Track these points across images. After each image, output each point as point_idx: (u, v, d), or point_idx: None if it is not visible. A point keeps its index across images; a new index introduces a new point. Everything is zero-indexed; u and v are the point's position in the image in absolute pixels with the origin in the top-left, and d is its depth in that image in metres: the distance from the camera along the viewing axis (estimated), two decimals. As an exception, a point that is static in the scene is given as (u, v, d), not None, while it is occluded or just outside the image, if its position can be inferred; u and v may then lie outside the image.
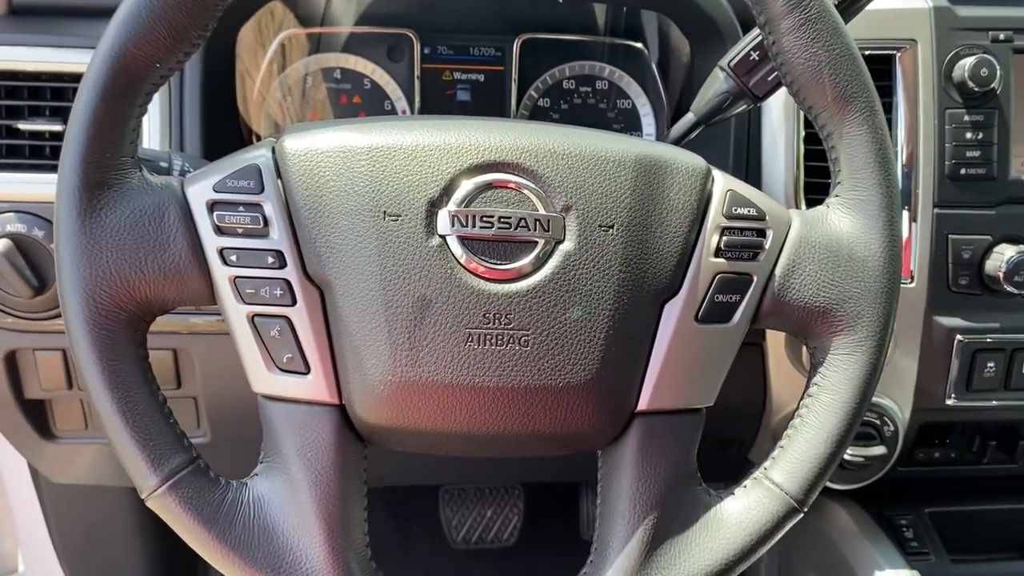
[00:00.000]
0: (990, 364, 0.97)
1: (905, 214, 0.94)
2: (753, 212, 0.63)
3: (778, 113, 0.94)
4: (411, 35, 1.03)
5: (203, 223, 0.58)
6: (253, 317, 0.58)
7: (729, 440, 1.13)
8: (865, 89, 0.62)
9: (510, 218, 0.58)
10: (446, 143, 0.59)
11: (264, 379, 0.59)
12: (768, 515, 0.62)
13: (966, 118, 0.94)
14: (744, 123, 0.94)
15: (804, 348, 0.93)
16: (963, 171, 0.94)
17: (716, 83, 0.79)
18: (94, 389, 0.57)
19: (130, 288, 0.57)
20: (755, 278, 0.62)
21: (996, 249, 0.95)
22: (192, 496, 0.58)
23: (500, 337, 0.58)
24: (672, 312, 0.61)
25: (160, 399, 0.59)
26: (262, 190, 0.58)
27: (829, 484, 0.98)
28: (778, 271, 0.63)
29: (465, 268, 0.58)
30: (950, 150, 0.94)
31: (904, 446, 1.00)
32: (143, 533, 1.25)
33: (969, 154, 0.94)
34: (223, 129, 0.93)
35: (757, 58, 0.77)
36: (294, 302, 0.58)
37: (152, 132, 0.87)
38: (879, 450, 0.98)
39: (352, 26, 1.05)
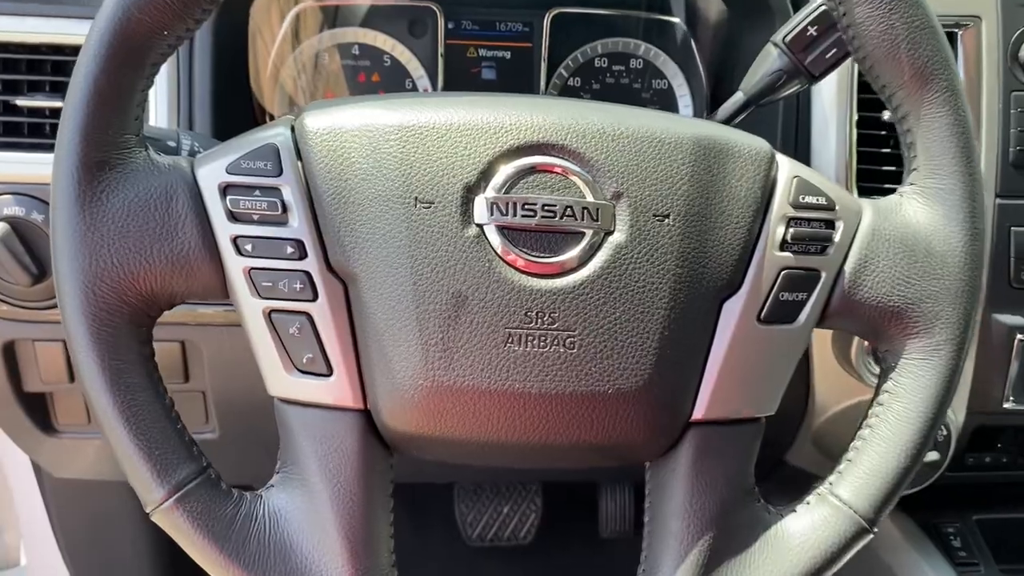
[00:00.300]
0: (1054, 366, 0.93)
1: None
2: (822, 201, 0.59)
3: (829, 94, 0.89)
4: (435, 8, 1.00)
5: (215, 208, 0.55)
6: (270, 313, 0.55)
7: (764, 440, 1.09)
8: (946, 66, 0.58)
9: (555, 206, 0.54)
10: (484, 122, 0.55)
11: (281, 381, 0.56)
12: (835, 535, 0.59)
13: None
14: (792, 104, 0.90)
15: (853, 346, 0.88)
16: None
17: (768, 60, 0.75)
18: (94, 392, 0.54)
19: (134, 280, 0.54)
20: (823, 274, 0.58)
21: None
22: (202, 510, 0.55)
23: (543, 338, 0.54)
24: (732, 311, 0.57)
25: (167, 403, 0.56)
26: (280, 172, 0.55)
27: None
28: (848, 267, 0.59)
29: (504, 261, 0.54)
30: (1015, 136, 0.90)
31: (955, 451, 0.96)
32: (147, 526, 1.21)
33: None
34: (235, 106, 0.90)
35: (815, 33, 0.72)
36: (315, 297, 0.55)
37: (159, 108, 0.83)
38: (932, 456, 0.94)
39: (371, -2, 1.02)
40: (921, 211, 0.59)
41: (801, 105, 0.90)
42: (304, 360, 0.55)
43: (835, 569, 0.59)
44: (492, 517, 1.53)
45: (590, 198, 0.55)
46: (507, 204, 0.54)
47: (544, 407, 0.54)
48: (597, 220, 0.54)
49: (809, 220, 0.58)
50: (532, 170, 0.54)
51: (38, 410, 0.96)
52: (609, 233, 0.55)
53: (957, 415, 0.95)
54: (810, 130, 0.90)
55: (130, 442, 0.53)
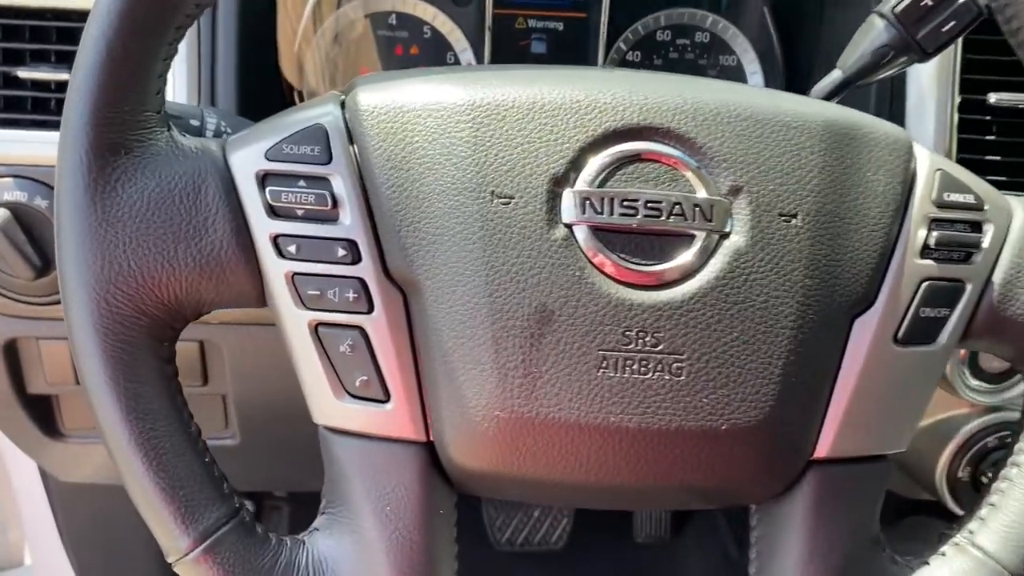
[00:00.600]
0: None
1: None
2: (970, 199, 0.53)
3: (928, 73, 0.81)
4: None
5: (251, 201, 0.49)
6: (317, 327, 0.49)
7: None
8: None
9: (660, 202, 0.48)
10: (573, 101, 0.49)
11: (330, 407, 0.50)
12: None
13: None
14: (886, 84, 0.82)
15: (950, 362, 0.80)
16: None
17: (872, 33, 0.67)
18: (106, 421, 0.48)
19: (155, 286, 0.49)
20: (968, 286, 0.53)
21: None
22: (235, 561, 0.49)
23: (644, 362, 0.48)
24: (865, 330, 0.51)
25: (192, 431, 0.50)
26: (330, 159, 0.49)
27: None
28: (997, 277, 0.54)
29: (598, 269, 0.48)
30: None
31: None
32: None
33: None
34: (261, 81, 0.85)
35: (931, 2, 0.64)
36: (370, 308, 0.49)
37: (176, 81, 0.78)
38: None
39: (410, -38, 0.97)
40: None
41: (896, 85, 0.82)
42: (357, 383, 0.49)
43: None
44: (522, 521, 1.49)
45: (703, 193, 0.49)
46: (602, 200, 0.48)
47: (643, 445, 0.49)
48: (711, 220, 0.48)
49: (954, 222, 0.52)
50: (632, 159, 0.49)
51: (43, 413, 0.91)
52: (725, 236, 0.49)
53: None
54: (904, 113, 0.82)
55: (149, 481, 0.48)
